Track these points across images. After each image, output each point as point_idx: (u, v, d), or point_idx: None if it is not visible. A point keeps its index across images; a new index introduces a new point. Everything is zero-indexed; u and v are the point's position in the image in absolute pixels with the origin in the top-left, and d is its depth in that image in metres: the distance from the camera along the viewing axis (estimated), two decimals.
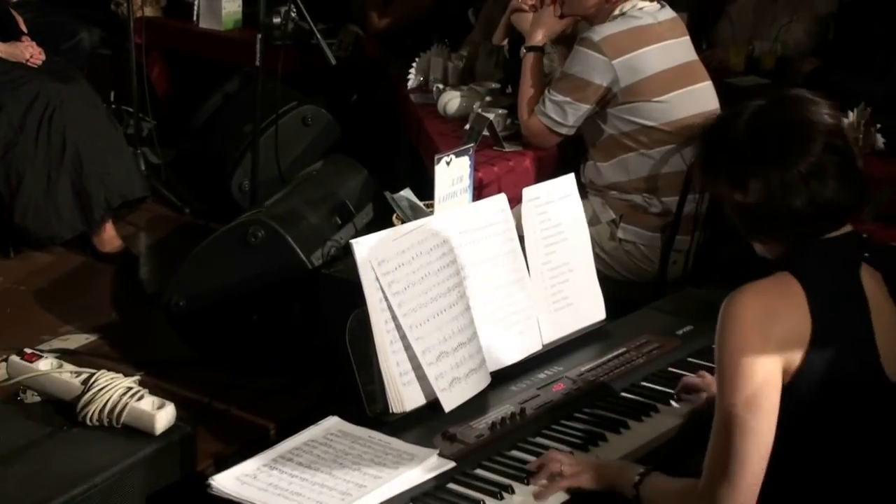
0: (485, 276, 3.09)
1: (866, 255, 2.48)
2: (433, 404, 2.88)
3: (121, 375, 2.97)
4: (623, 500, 2.60)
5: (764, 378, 2.35)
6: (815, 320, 2.38)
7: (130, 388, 2.92)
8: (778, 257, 2.50)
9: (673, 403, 3.01)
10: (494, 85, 5.21)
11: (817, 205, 2.40)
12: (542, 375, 3.11)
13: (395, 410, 2.84)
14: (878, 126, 4.63)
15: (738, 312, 2.38)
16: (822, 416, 2.40)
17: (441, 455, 2.68)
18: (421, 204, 3.53)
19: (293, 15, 5.18)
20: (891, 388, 2.44)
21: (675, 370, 3.16)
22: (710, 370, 3.08)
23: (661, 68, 4.31)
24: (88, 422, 2.88)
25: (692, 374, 3.09)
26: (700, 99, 4.39)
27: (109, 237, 4.94)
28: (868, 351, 2.42)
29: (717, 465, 2.40)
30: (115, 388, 2.91)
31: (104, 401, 2.88)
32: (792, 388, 2.38)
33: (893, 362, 2.44)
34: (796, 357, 2.37)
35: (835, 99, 2.56)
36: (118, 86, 6.03)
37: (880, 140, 4.63)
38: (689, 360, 3.21)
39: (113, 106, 5.96)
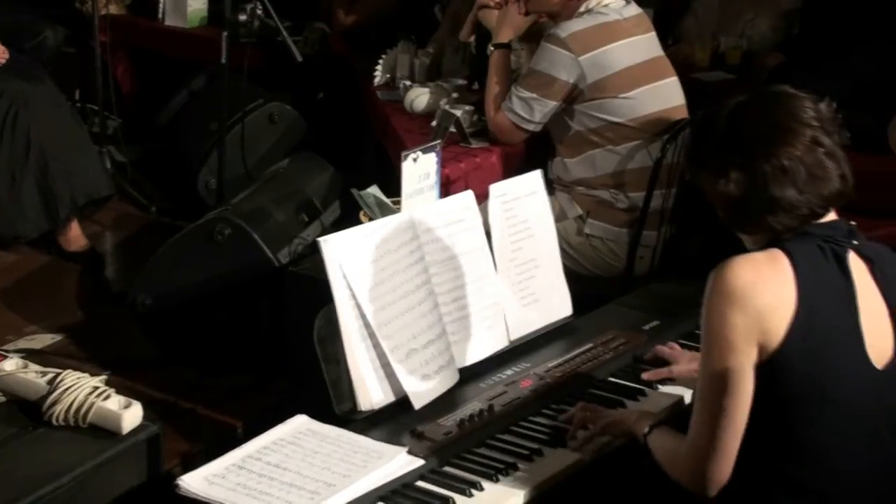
0: (452, 272, 3.09)
1: (855, 242, 2.51)
2: (402, 402, 2.88)
3: (87, 375, 2.95)
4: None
5: (743, 351, 2.40)
6: (800, 296, 2.41)
7: (97, 388, 2.90)
8: (764, 247, 2.53)
9: (640, 399, 3.02)
10: (461, 81, 5.20)
11: (799, 193, 2.44)
12: (509, 372, 3.11)
13: (363, 408, 2.84)
14: (843, 121, 4.66)
15: (726, 280, 2.41)
16: (804, 391, 2.42)
17: (410, 453, 2.68)
18: (388, 201, 3.53)
19: (259, 12, 5.15)
20: (874, 373, 2.46)
21: (642, 365, 3.17)
22: None
23: (628, 64, 4.32)
24: (54, 422, 2.86)
25: (664, 346, 3.18)
26: (666, 95, 4.40)
27: (75, 236, 4.92)
28: (853, 334, 2.45)
29: (698, 439, 2.47)
30: (81, 388, 2.89)
31: (70, 401, 2.86)
32: (773, 362, 2.41)
33: (878, 349, 2.48)
34: (779, 330, 2.40)
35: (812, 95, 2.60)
36: (83, 84, 6.00)
37: (845, 135, 4.65)
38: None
39: (78, 104, 5.92)
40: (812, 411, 2.43)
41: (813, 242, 2.48)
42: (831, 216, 2.53)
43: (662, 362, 3.17)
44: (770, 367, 2.41)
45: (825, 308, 2.43)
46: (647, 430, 2.69)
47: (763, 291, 2.40)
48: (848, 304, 2.46)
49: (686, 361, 3.12)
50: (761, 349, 2.41)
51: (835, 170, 2.49)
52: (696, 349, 2.99)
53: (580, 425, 2.83)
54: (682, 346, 3.23)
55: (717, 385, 2.43)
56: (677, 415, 2.92)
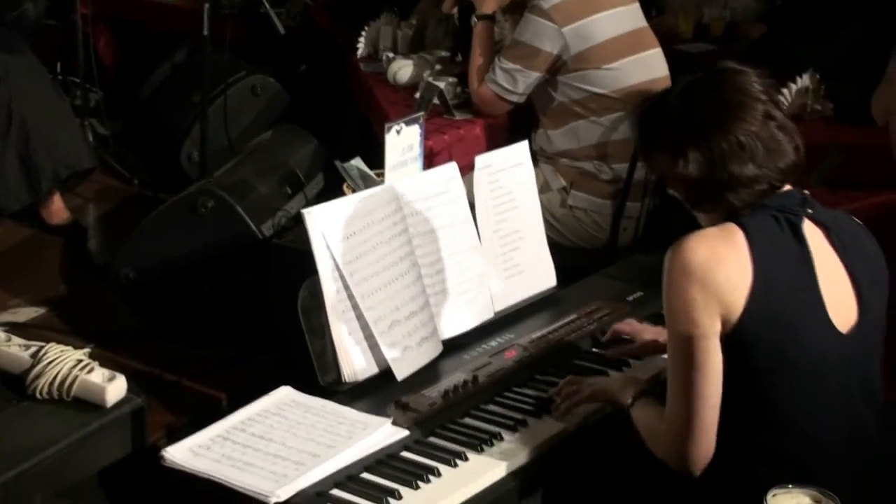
0: (436, 244, 3.09)
1: (809, 210, 2.52)
2: (386, 373, 2.89)
3: (70, 348, 2.95)
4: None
5: (706, 324, 2.41)
6: (756, 268, 2.42)
7: (80, 361, 2.90)
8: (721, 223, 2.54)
9: (624, 369, 3.03)
10: (444, 53, 5.20)
11: (757, 168, 2.46)
12: (493, 343, 3.12)
13: (347, 380, 2.84)
14: (826, 91, 4.66)
15: (683, 257, 2.43)
16: (770, 360, 2.44)
17: (394, 423, 2.68)
18: (371, 173, 3.52)
19: None
20: (839, 338, 2.48)
21: (625, 337, 3.17)
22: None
23: (611, 35, 4.31)
24: (38, 395, 2.86)
25: (622, 323, 3.17)
26: (650, 66, 4.40)
27: (57, 209, 4.90)
28: (814, 301, 2.46)
29: (675, 418, 2.48)
30: (64, 361, 2.88)
31: (54, 374, 2.85)
32: (737, 334, 2.42)
33: (841, 314, 2.49)
34: (739, 302, 2.41)
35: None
36: (64, 56, 5.96)
37: (828, 106, 4.66)
38: None
39: (59, 77, 5.89)
40: (780, 380, 2.45)
41: (767, 213, 2.49)
42: (786, 187, 2.54)
43: (624, 342, 3.15)
44: (734, 339, 2.43)
45: (783, 277, 2.44)
46: (630, 401, 2.69)
47: (719, 266, 2.41)
48: (806, 271, 2.47)
49: (651, 334, 3.10)
50: (724, 322, 2.42)
51: (788, 142, 2.51)
52: None
53: (566, 397, 2.83)
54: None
55: (685, 362, 2.44)
56: (664, 382, 2.93)
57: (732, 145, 2.45)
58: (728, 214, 2.51)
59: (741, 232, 2.46)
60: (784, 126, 2.51)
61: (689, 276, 2.41)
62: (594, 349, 3.14)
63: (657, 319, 3.23)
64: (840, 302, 2.49)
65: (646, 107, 2.65)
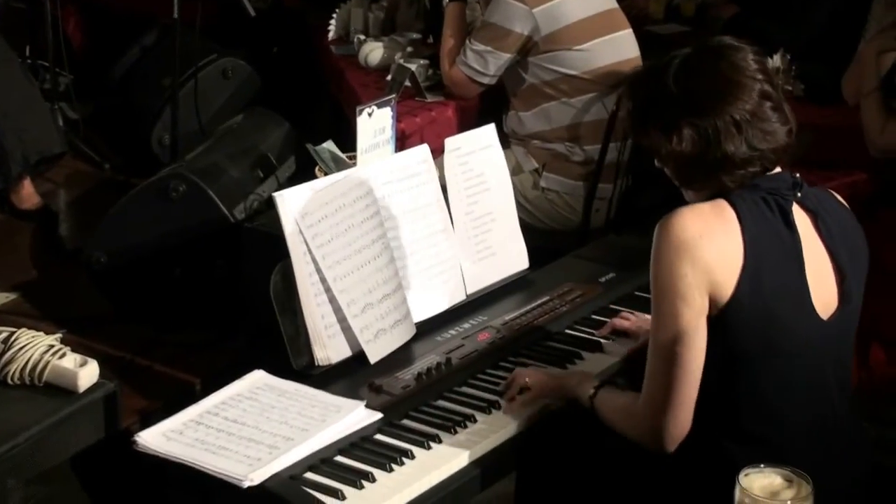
0: (408, 227, 3.09)
1: (798, 195, 2.51)
2: (359, 356, 2.88)
3: (42, 333, 2.94)
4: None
5: (695, 301, 2.40)
6: (747, 249, 2.41)
7: (52, 346, 2.89)
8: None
9: (597, 352, 3.03)
10: (416, 35, 5.19)
11: (751, 149, 2.44)
12: (466, 325, 3.12)
13: (320, 363, 2.84)
14: (797, 72, 4.68)
15: (674, 231, 2.41)
16: (753, 345, 2.44)
17: (368, 406, 2.68)
18: (343, 156, 3.52)
19: None
20: (820, 325, 2.48)
21: (598, 317, 3.18)
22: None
23: (582, 16, 4.32)
24: (10, 381, 2.85)
25: (618, 318, 3.12)
26: (620, 47, 4.41)
27: (27, 194, 4.87)
28: (800, 288, 2.46)
29: (654, 392, 2.48)
30: (36, 347, 2.87)
31: (25, 359, 2.84)
32: (724, 315, 2.41)
33: (823, 300, 2.49)
34: (729, 282, 2.40)
35: (754, 45, 2.59)
36: (33, 40, 5.91)
37: (799, 86, 4.68)
38: (612, 306, 3.23)
39: (28, 60, 5.83)
40: (760, 365, 2.45)
41: (758, 195, 2.48)
42: (777, 168, 2.53)
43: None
44: (721, 321, 2.42)
45: (772, 262, 2.44)
46: (591, 391, 2.67)
47: (710, 243, 2.40)
48: (794, 257, 2.46)
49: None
50: (712, 302, 2.42)
51: (783, 124, 2.49)
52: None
53: (517, 389, 2.78)
54: (639, 297, 3.23)
55: (670, 336, 2.43)
56: (619, 372, 2.93)
57: (728, 124, 2.42)
58: (718, 192, 2.49)
59: (733, 211, 2.44)
60: (778, 106, 2.49)
61: (680, 251, 2.39)
62: (567, 330, 3.14)
63: (629, 301, 3.24)
64: (823, 288, 2.49)
65: (639, 80, 2.60)
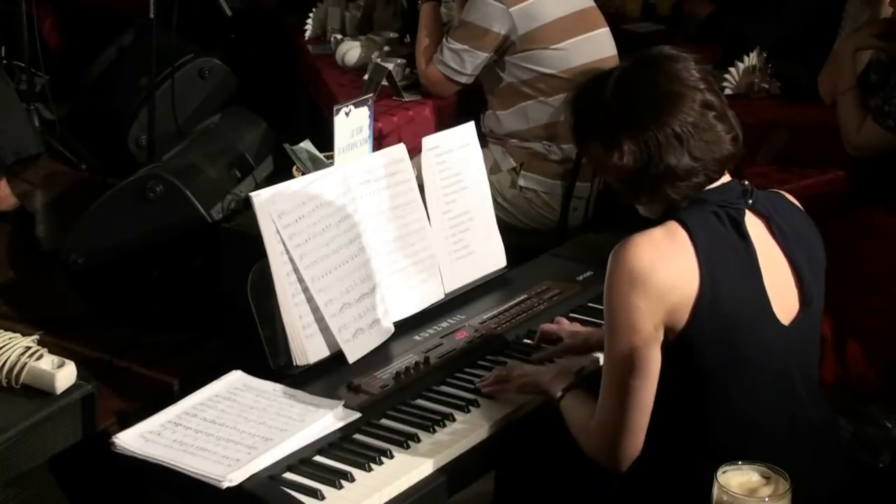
0: (386, 226, 3.09)
1: (750, 202, 2.50)
2: (337, 356, 2.88)
3: (19, 335, 2.92)
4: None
5: (648, 332, 2.39)
6: (702, 270, 2.40)
7: (29, 348, 2.88)
8: (661, 215, 2.51)
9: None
10: (393, 35, 5.19)
11: (694, 159, 2.42)
12: (444, 324, 3.12)
13: (298, 363, 2.84)
14: (773, 70, 4.70)
15: (626, 261, 2.40)
16: (718, 361, 2.43)
17: (346, 406, 2.68)
18: (321, 155, 3.52)
19: None
20: (783, 330, 2.48)
21: (576, 315, 3.18)
22: None
23: (559, 15, 4.33)
24: None
25: (549, 323, 3.09)
26: (597, 46, 4.42)
27: (4, 195, 4.85)
28: (759, 298, 2.45)
29: (606, 418, 2.48)
30: (13, 348, 2.86)
31: (2, 361, 2.83)
32: (685, 338, 2.41)
33: (784, 306, 2.48)
34: (686, 305, 2.39)
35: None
36: (8, 40, 5.89)
37: (776, 84, 4.70)
38: (590, 304, 3.23)
39: (3, 61, 5.82)
40: (726, 377, 2.44)
41: (708, 210, 2.46)
42: (724, 178, 2.51)
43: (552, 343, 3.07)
44: (682, 343, 2.42)
45: (729, 276, 2.42)
46: (559, 393, 2.67)
47: (663, 270, 2.38)
48: (751, 268, 2.45)
49: (584, 334, 3.01)
50: (669, 328, 2.41)
51: (727, 132, 2.46)
52: None
53: (496, 383, 2.80)
54: None
55: (623, 366, 2.42)
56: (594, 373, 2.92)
57: (669, 137, 2.40)
58: (667, 207, 2.48)
59: (685, 232, 2.42)
60: (722, 115, 2.45)
61: (632, 283, 2.38)
62: None
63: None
64: (783, 294, 2.49)
65: (579, 95, 2.57)
